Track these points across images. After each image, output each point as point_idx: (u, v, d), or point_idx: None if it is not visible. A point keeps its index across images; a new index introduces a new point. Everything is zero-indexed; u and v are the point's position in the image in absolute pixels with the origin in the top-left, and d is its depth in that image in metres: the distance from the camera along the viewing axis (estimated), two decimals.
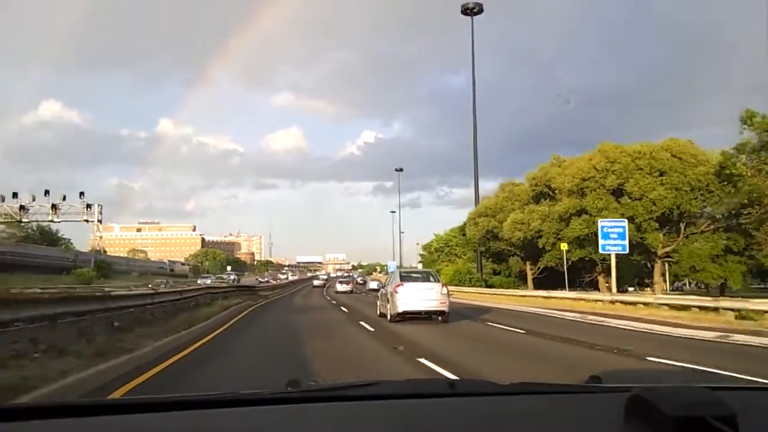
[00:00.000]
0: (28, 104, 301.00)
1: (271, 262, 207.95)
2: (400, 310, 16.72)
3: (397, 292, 16.85)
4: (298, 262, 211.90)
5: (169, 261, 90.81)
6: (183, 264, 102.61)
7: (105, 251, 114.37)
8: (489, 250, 52.72)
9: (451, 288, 46.04)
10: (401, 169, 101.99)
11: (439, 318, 17.09)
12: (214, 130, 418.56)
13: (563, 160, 42.80)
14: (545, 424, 1.40)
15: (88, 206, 65.06)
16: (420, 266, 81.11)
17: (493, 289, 42.47)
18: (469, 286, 48.03)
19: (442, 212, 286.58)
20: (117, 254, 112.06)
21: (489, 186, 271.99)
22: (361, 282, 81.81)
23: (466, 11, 49.07)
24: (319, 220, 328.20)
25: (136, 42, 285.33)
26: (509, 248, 50.00)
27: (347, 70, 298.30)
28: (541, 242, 41.01)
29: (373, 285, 67.97)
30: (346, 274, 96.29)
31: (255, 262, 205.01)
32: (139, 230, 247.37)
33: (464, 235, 63.17)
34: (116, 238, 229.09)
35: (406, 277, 18.23)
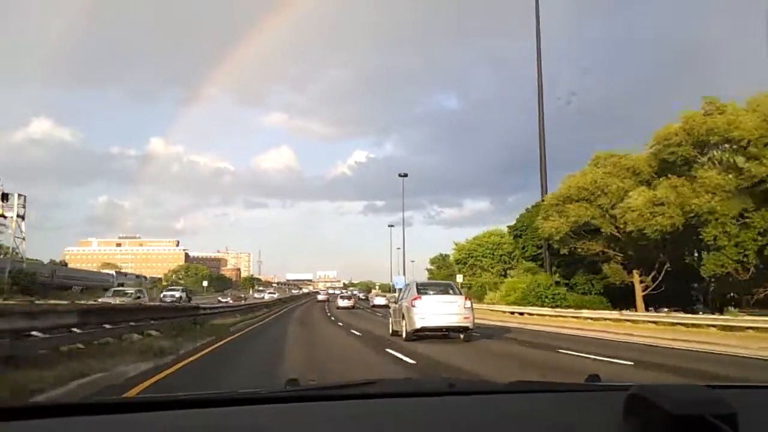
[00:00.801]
0: (19, 121, 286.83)
1: (259, 279, 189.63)
2: (418, 326, 14.83)
3: (414, 306, 14.98)
4: (288, 280, 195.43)
5: (116, 273, 70.80)
6: (138, 277, 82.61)
7: (62, 263, 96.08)
8: (572, 255, 34.89)
9: (533, 311, 24.93)
10: (405, 175, 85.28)
11: (461, 336, 15.14)
12: (205, 149, 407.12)
13: (725, 105, 25.46)
14: (544, 423, 1.34)
15: (4, 197, 46.54)
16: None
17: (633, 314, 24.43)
18: (551, 307, 30.26)
19: (433, 232, 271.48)
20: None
21: (480, 205, 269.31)
22: (363, 297, 77.21)
23: None
24: (309, 239, 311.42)
25: (127, 61, 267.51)
26: (606, 249, 32.52)
27: (340, 90, 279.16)
28: (708, 232, 23.45)
29: (378, 301, 61.24)
30: (346, 291, 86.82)
31: (240, 279, 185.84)
32: (118, 245, 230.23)
33: (519, 236, 45.32)
34: (94, 252, 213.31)
35: (424, 289, 16.00)
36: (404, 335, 15.39)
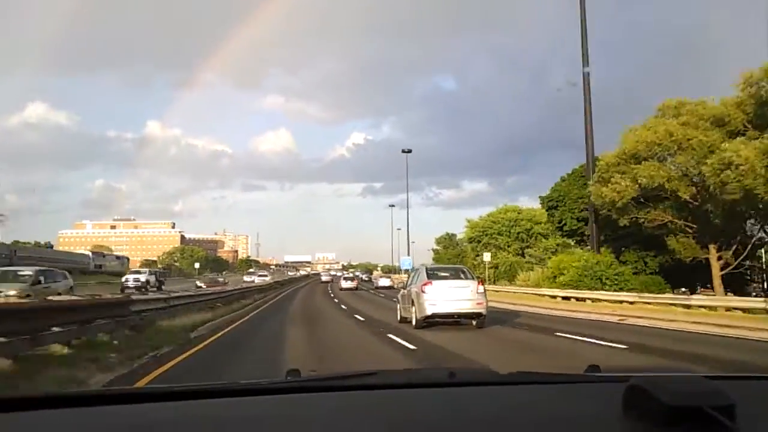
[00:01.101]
0: (14, 105, 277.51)
1: (257, 261, 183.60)
2: (429, 313, 14.02)
3: (424, 292, 14.12)
4: (287, 262, 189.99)
5: (93, 254, 62.18)
6: (119, 258, 74.23)
7: (46, 246, 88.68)
8: (624, 228, 28.49)
9: (603, 296, 15.18)
10: (409, 150, 79.22)
11: (473, 322, 14.35)
12: (202, 132, 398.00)
13: None
14: (544, 414, 1.34)
15: None
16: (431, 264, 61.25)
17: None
18: (614, 290, 24.04)
19: (432, 213, 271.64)
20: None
21: (477, 186, 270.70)
22: (366, 279, 75.23)
23: None
24: (308, 221, 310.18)
25: (124, 43, 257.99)
26: (676, 219, 26.32)
27: (338, 72, 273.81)
28: None
29: (383, 282, 57.53)
30: (349, 273, 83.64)
31: (237, 261, 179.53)
32: (113, 227, 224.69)
33: (555, 207, 38.81)
34: (88, 235, 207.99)
35: (434, 274, 15.16)
36: (414, 322, 14.56)
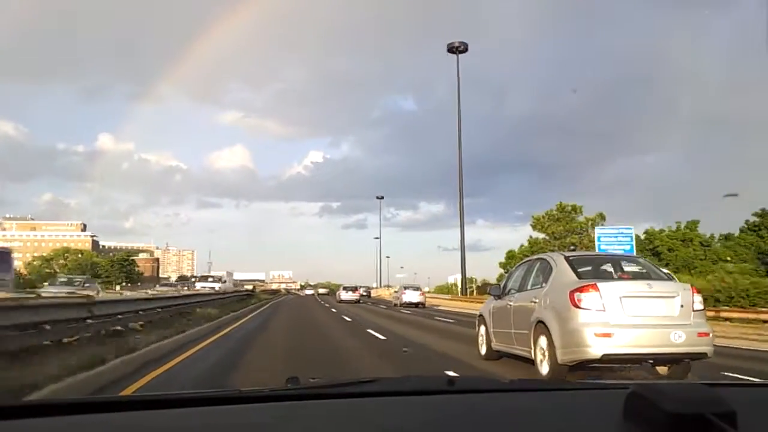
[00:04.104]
0: None
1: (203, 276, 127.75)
2: (597, 353, 6.15)
3: (581, 307, 6.31)
4: (236, 280, 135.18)
5: None
6: None
7: None
8: None
9: None
10: (465, 49, 46.80)
11: (665, 366, 7.00)
12: (156, 147, 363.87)
13: None
14: (544, 421, 1.29)
15: None
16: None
17: None
18: None
19: (388, 233, 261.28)
20: None
21: (434, 208, 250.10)
22: (365, 293, 62.42)
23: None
24: (264, 239, 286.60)
25: (76, 54, 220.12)
26: None
27: (297, 90, 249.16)
28: None
29: (409, 297, 37.70)
30: (350, 285, 57.00)
31: (156, 272, 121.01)
32: (3, 229, 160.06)
33: None
34: None
35: (589, 269, 7.18)
36: (546, 368, 6.61)
